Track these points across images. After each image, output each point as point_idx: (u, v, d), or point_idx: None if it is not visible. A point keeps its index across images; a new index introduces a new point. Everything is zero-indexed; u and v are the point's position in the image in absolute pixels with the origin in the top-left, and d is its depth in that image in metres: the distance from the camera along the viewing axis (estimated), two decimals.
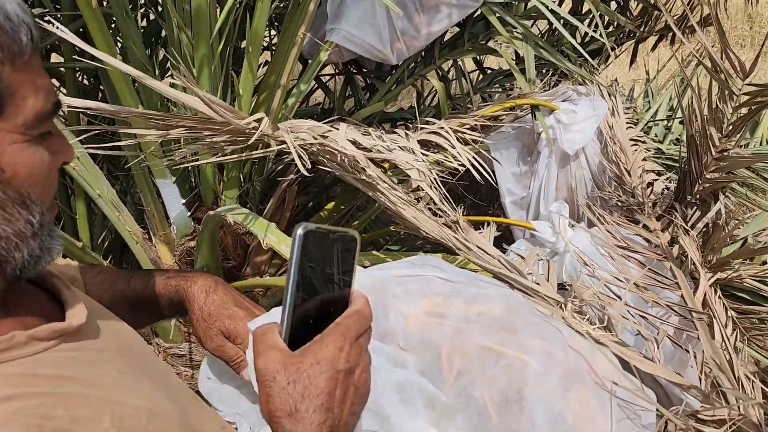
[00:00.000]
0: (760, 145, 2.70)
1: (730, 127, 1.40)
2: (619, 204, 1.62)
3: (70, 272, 0.91)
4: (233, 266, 1.67)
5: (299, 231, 0.55)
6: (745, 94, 1.28)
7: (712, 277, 1.21)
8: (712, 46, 1.35)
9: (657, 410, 0.83)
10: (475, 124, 1.68)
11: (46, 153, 0.60)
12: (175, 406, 0.69)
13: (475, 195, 2.34)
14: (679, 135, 2.63)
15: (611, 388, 0.80)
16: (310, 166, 1.03)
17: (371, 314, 0.60)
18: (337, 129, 1.22)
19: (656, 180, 1.78)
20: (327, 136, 1.17)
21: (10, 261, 0.59)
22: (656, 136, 2.59)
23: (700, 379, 0.93)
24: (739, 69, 1.25)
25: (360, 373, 0.59)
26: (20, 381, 0.56)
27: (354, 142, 1.20)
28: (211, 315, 0.87)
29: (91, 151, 1.35)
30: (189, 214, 1.58)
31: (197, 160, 1.41)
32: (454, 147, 1.54)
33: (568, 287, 1.09)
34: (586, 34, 2.47)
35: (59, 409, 0.56)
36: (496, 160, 1.67)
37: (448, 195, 1.40)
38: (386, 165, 1.64)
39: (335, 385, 0.56)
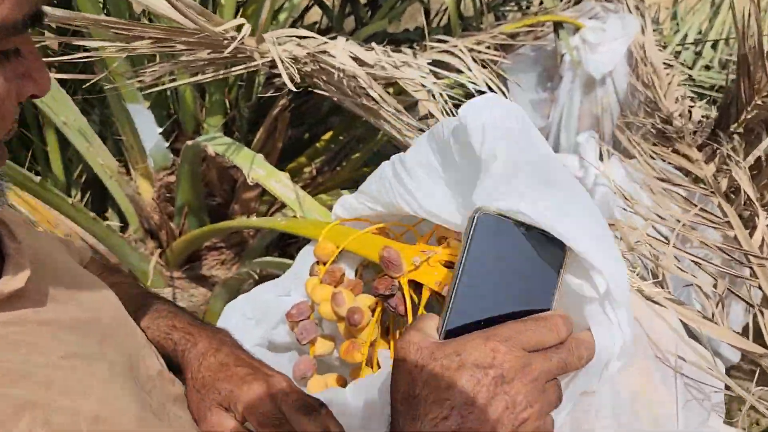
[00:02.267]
0: None
1: None
2: (654, 131, 1.43)
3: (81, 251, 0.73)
4: (219, 204, 1.50)
5: (474, 214, 0.49)
6: None
7: None
8: None
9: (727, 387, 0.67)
10: (493, 43, 1.47)
11: (1, 78, 0.44)
12: (135, 404, 0.53)
13: None
14: (710, 60, 2.41)
15: (676, 364, 0.64)
16: (298, 80, 0.84)
17: (562, 329, 0.47)
18: (334, 43, 1.02)
19: (693, 106, 1.59)
20: (323, 51, 0.97)
21: None
22: (685, 61, 2.37)
23: None
24: None
25: (521, 393, 0.45)
26: None
27: (355, 59, 1.00)
28: (205, 384, 0.64)
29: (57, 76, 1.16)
30: (167, 144, 1.40)
31: (174, 80, 1.22)
32: (469, 69, 1.34)
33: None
34: None
35: None
36: (516, 83, 1.47)
37: None
38: (390, 90, 1.44)
39: (475, 385, 0.44)
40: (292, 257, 1.31)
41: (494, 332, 0.46)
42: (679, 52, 2.41)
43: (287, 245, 1.71)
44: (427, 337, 0.48)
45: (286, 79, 0.79)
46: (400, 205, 0.74)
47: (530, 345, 0.46)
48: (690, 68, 2.30)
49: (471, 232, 0.49)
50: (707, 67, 2.40)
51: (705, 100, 2.04)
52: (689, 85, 2.14)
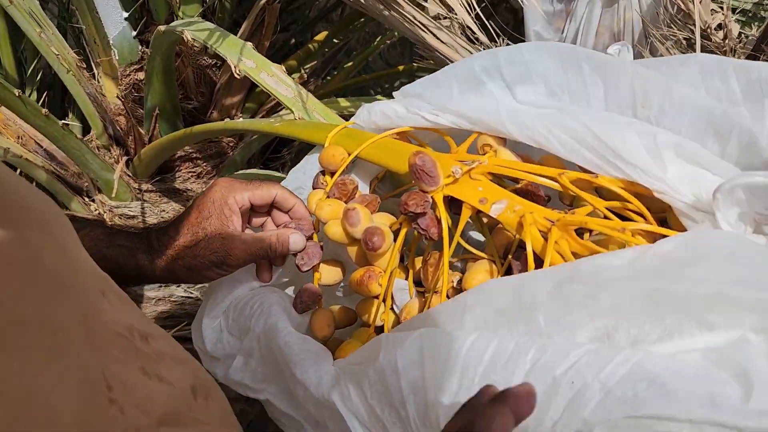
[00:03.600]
0: None
1: None
2: (687, 44, 1.27)
3: None
4: (195, 108, 1.31)
5: None
6: None
7: None
8: None
9: None
10: None
11: None
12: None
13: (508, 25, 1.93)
14: None
15: None
16: None
17: None
18: None
19: (730, 21, 1.43)
20: None
21: None
22: None
23: None
24: None
25: None
26: None
27: None
28: (202, 215, 0.63)
29: None
30: (135, 34, 1.20)
31: None
32: None
33: None
34: None
35: None
36: None
37: (485, 20, 1.04)
38: None
39: None
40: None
41: None
42: None
43: (272, 160, 1.54)
44: None
45: None
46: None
47: None
48: None
49: None
50: None
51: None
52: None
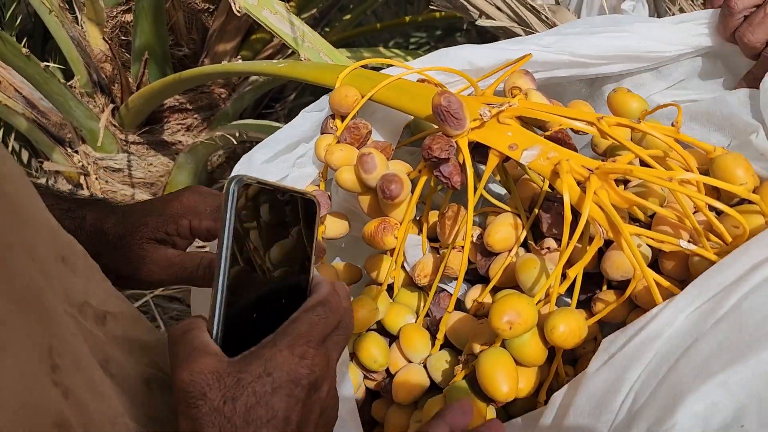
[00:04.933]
0: None
1: None
2: None
3: None
4: (186, 55, 1.24)
5: (232, 186, 0.39)
6: None
7: None
8: None
9: None
10: None
11: None
12: None
13: None
14: None
15: None
16: None
17: (340, 307, 0.42)
18: None
19: None
20: None
21: None
22: None
23: None
24: None
25: (327, 391, 0.42)
26: None
27: None
28: (125, 230, 0.53)
29: None
30: None
31: None
32: None
33: None
34: None
35: None
36: None
37: None
38: None
39: (294, 405, 0.39)
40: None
41: (292, 333, 0.39)
42: None
43: (264, 116, 1.48)
44: (218, 357, 0.38)
45: None
46: None
47: (324, 335, 0.41)
48: None
49: (231, 207, 0.39)
50: None
51: None
52: None
